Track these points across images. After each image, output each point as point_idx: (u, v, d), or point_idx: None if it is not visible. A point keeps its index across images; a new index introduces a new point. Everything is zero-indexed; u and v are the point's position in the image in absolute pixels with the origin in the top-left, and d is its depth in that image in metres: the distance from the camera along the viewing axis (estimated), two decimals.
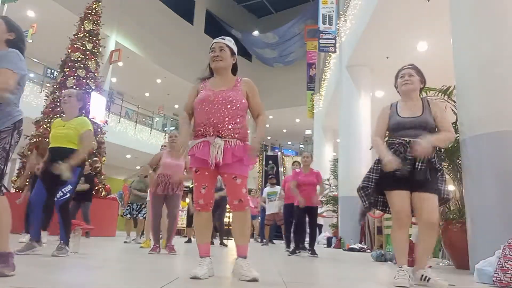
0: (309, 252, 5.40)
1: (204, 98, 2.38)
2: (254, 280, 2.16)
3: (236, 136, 2.33)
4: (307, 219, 5.61)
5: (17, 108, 2.13)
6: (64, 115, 3.68)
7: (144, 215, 7.05)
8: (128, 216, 7.12)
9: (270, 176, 9.88)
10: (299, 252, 5.53)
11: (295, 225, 5.81)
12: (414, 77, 2.64)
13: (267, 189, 8.46)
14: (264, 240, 9.09)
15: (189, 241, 8.06)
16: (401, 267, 2.39)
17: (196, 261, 2.39)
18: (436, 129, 2.53)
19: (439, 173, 2.47)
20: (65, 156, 3.31)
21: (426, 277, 2.35)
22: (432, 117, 2.53)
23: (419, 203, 2.42)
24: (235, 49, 2.54)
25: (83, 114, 3.79)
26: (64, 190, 3.33)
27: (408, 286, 2.27)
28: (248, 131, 2.47)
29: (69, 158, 3.29)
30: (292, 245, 5.73)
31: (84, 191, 7.30)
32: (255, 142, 2.36)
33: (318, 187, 5.63)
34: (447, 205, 4.73)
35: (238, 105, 2.36)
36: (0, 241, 1.99)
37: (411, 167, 2.39)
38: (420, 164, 2.38)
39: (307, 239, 5.66)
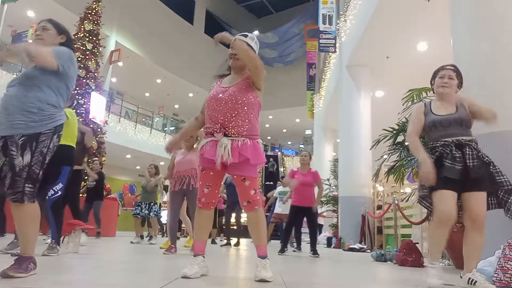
0: (311, 253, 5.39)
1: (213, 95, 2.37)
2: (262, 281, 2.16)
3: (244, 134, 2.29)
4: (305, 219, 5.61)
5: (60, 112, 2.12)
6: None
7: (156, 213, 7.04)
8: (139, 216, 7.03)
9: (282, 176, 9.88)
10: (295, 251, 5.53)
11: (287, 224, 5.81)
12: (454, 80, 2.60)
13: (280, 188, 8.46)
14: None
15: (214, 242, 8.06)
16: (434, 264, 2.38)
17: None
18: (473, 121, 2.53)
19: (490, 166, 2.41)
20: (57, 153, 3.27)
21: (473, 280, 2.28)
22: (467, 113, 2.50)
23: (468, 203, 2.37)
24: (256, 47, 2.48)
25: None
26: (55, 188, 3.32)
27: (440, 286, 2.24)
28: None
29: (61, 155, 3.25)
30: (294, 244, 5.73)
31: (96, 190, 7.30)
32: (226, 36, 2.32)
33: (316, 188, 5.61)
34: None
35: (245, 101, 2.30)
36: (25, 245, 2.01)
37: (462, 166, 2.33)
38: (471, 161, 2.33)
39: (304, 239, 5.64)
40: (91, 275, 2.22)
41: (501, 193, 2.39)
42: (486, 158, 2.42)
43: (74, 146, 3.60)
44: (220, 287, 2.01)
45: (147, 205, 7.01)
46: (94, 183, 7.33)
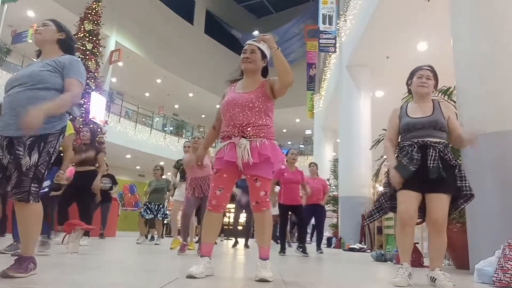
0: (300, 250, 5.38)
1: (228, 101, 2.41)
2: (262, 280, 2.18)
3: (262, 135, 2.35)
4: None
5: (65, 113, 2.15)
6: None
7: (163, 216, 7.01)
8: (146, 216, 6.93)
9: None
10: (285, 250, 5.55)
11: (280, 224, 5.81)
12: (431, 81, 2.63)
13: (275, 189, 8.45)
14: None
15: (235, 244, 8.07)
16: (402, 264, 2.40)
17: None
18: (448, 131, 2.55)
19: (455, 170, 2.43)
20: None
21: (433, 278, 2.37)
22: (443, 117, 2.52)
23: (430, 205, 2.41)
24: (267, 52, 2.51)
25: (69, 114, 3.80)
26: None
27: (406, 286, 2.26)
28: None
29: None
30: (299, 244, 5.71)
31: (105, 192, 7.31)
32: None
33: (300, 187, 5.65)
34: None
35: (261, 107, 2.37)
36: (26, 245, 2.00)
37: (417, 167, 2.37)
38: (432, 162, 2.36)
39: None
40: (91, 275, 2.22)
41: (460, 198, 2.47)
42: (453, 162, 2.43)
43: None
44: (220, 286, 2.01)
45: (156, 206, 6.96)
46: (111, 185, 7.33)
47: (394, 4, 6.81)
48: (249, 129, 2.33)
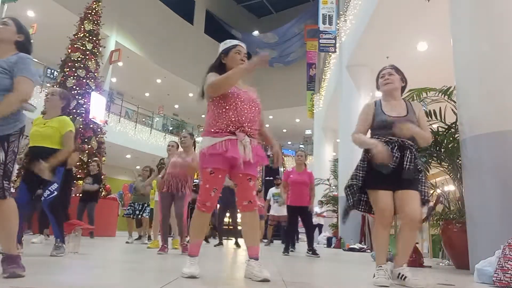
0: (310, 252, 5.38)
1: (236, 94, 2.34)
2: (265, 280, 2.15)
3: (256, 135, 2.42)
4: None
5: (22, 113, 2.15)
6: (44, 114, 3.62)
7: (148, 214, 7.03)
8: (131, 216, 7.02)
9: (276, 177, 9.86)
10: (293, 250, 5.52)
11: (288, 224, 5.81)
12: (394, 76, 2.63)
13: (273, 190, 8.43)
14: (266, 240, 9.08)
15: (207, 241, 8.07)
16: (381, 266, 2.38)
17: (203, 261, 2.39)
18: None
19: (421, 174, 2.46)
20: (44, 156, 3.23)
21: (403, 275, 2.34)
22: (416, 118, 2.54)
23: (403, 201, 2.38)
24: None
25: (68, 114, 3.76)
26: (51, 188, 3.31)
27: (388, 285, 2.25)
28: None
29: (48, 158, 3.23)
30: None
31: (90, 191, 7.31)
32: (277, 146, 2.52)
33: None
34: (448, 205, 4.73)
35: (259, 108, 2.45)
36: (9, 243, 2.01)
37: (396, 165, 2.37)
38: (408, 164, 2.37)
39: (303, 239, 5.65)
40: (91, 275, 2.22)
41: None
42: (420, 166, 2.46)
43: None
44: (221, 287, 2.01)
45: (141, 206, 7.01)
46: (94, 185, 7.33)
47: (394, 4, 6.81)
48: (253, 127, 2.37)
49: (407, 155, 2.39)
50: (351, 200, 2.51)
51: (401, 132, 2.36)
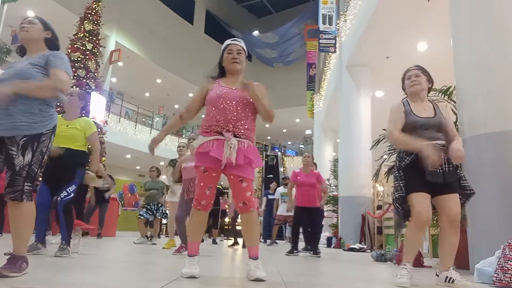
0: (311, 253, 5.37)
1: (221, 94, 2.35)
2: (258, 280, 2.17)
3: (247, 136, 2.34)
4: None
5: (55, 111, 2.15)
6: (63, 114, 3.64)
7: (162, 215, 6.99)
8: (147, 217, 6.83)
9: (283, 177, 9.88)
10: (297, 252, 5.50)
11: (293, 225, 5.79)
12: (421, 77, 2.61)
13: (281, 189, 8.41)
14: (269, 241, 9.07)
15: (214, 242, 8.09)
16: (405, 265, 2.38)
17: (201, 262, 2.39)
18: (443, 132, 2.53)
19: (458, 170, 2.45)
20: (72, 158, 3.30)
21: (450, 278, 2.33)
22: (445, 119, 2.53)
23: (444, 203, 2.39)
24: (246, 49, 2.54)
25: (83, 114, 3.78)
26: (69, 190, 3.31)
27: (409, 286, 2.25)
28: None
29: (75, 159, 3.29)
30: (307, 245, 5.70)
31: (104, 192, 7.29)
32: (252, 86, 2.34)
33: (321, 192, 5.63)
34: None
35: (252, 107, 2.38)
36: (18, 245, 2.00)
37: (442, 170, 2.36)
38: (447, 166, 2.36)
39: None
40: (91, 275, 2.22)
41: (460, 196, 2.45)
42: (455, 164, 2.44)
43: (86, 150, 3.60)
44: (221, 287, 2.01)
45: (155, 206, 6.90)
46: (108, 185, 7.30)
47: (394, 4, 6.81)
48: (241, 127, 2.31)
49: (443, 157, 2.37)
50: (402, 212, 2.49)
51: (462, 159, 2.32)
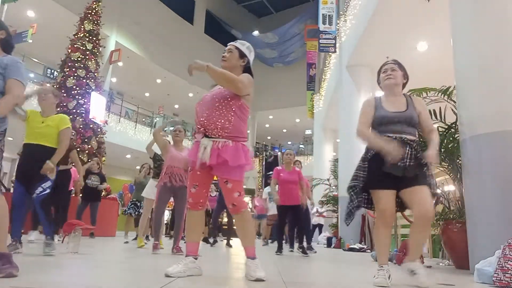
0: (300, 250, 5.37)
1: (201, 99, 2.45)
2: (259, 280, 2.17)
3: (225, 135, 2.29)
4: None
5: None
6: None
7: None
8: (133, 214, 6.91)
9: (268, 174, 9.86)
10: (292, 250, 5.50)
11: (277, 224, 5.79)
12: (397, 72, 2.62)
13: (268, 189, 8.37)
14: (265, 240, 9.09)
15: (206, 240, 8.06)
16: (382, 266, 2.37)
17: (201, 262, 2.40)
18: (418, 126, 2.53)
19: (425, 168, 2.41)
20: (45, 155, 3.28)
21: (413, 271, 2.34)
22: (416, 113, 2.51)
23: (413, 197, 2.35)
24: (247, 52, 2.53)
25: (68, 113, 3.80)
26: (44, 186, 3.31)
27: (388, 286, 2.24)
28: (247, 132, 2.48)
29: (47, 156, 3.27)
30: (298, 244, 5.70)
31: (95, 190, 7.28)
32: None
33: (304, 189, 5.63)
34: (448, 205, 4.73)
35: (229, 101, 2.32)
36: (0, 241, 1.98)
37: (403, 163, 2.34)
38: (409, 161, 2.35)
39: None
40: (91, 276, 2.22)
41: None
42: (423, 160, 2.40)
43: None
44: (221, 287, 2.01)
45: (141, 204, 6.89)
46: (98, 183, 7.30)
47: (394, 4, 6.81)
48: (211, 126, 2.30)
49: (407, 151, 2.37)
50: (356, 201, 2.48)
51: (435, 161, 2.33)
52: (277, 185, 5.65)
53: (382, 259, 2.42)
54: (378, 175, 2.39)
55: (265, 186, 11.28)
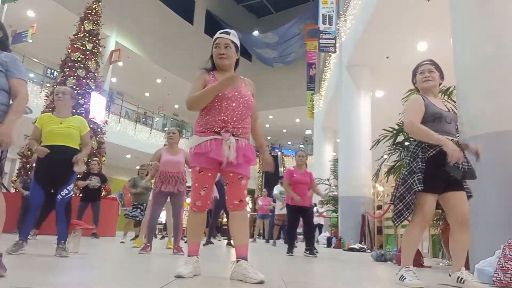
0: (307, 252, 5.36)
1: (220, 93, 2.27)
2: (261, 282, 2.08)
3: (245, 135, 2.34)
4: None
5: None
6: (55, 112, 3.60)
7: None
8: (139, 218, 6.80)
9: (281, 176, 9.86)
10: (295, 247, 5.50)
11: (288, 225, 5.79)
12: (434, 73, 2.58)
13: (280, 187, 8.28)
14: (271, 241, 9.05)
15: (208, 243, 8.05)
16: (409, 267, 2.35)
17: (201, 262, 2.39)
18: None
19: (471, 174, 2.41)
20: (69, 156, 3.29)
21: (462, 279, 2.28)
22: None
23: (454, 203, 2.34)
24: (238, 44, 2.45)
25: (83, 114, 3.82)
26: (69, 188, 3.33)
27: (423, 286, 2.21)
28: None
29: (71, 157, 3.29)
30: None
31: (96, 190, 7.27)
32: (267, 153, 2.48)
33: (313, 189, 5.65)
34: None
35: (250, 103, 2.35)
36: None
37: (463, 166, 2.30)
38: (467, 164, 2.32)
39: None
40: (91, 276, 2.22)
41: None
42: (470, 165, 2.40)
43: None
44: (221, 287, 2.01)
45: (144, 206, 6.88)
46: (99, 184, 7.29)
47: (394, 4, 6.81)
48: (239, 126, 2.29)
49: (464, 154, 2.34)
50: (412, 206, 2.35)
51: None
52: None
53: (410, 260, 2.39)
54: (434, 179, 2.32)
55: (265, 186, 11.25)
